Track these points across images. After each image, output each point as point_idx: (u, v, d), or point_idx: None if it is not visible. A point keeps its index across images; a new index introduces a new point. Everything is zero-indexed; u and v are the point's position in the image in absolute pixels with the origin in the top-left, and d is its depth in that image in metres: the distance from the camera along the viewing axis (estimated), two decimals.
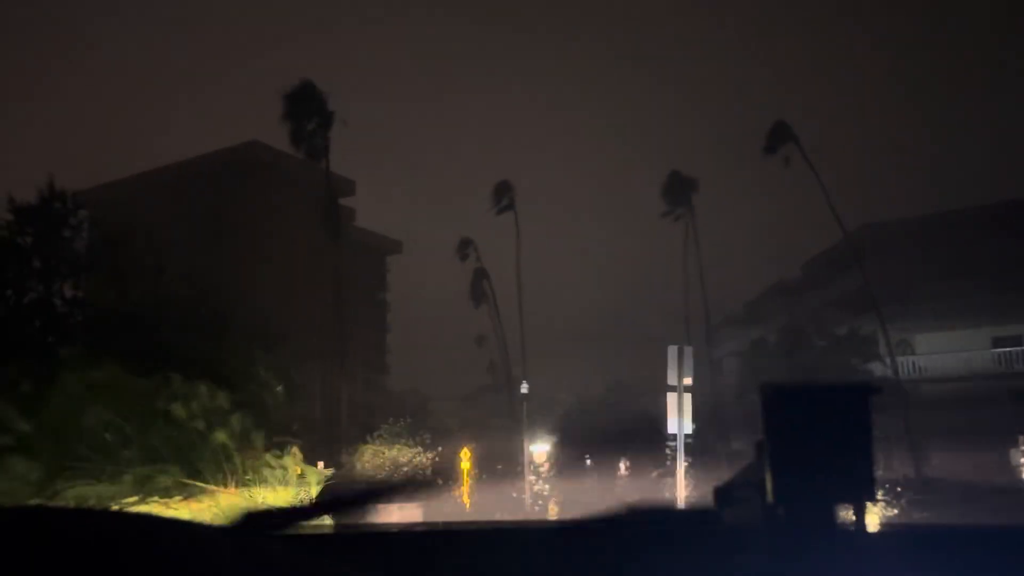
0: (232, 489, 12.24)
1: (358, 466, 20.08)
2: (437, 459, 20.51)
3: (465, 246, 39.49)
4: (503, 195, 38.58)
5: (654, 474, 19.73)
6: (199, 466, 12.16)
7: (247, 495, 12.31)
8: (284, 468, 13.27)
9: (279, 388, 14.95)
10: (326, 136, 30.54)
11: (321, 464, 16.31)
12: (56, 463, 11.21)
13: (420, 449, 20.47)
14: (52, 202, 17.09)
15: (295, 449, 13.84)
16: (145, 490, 11.23)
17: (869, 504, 1.19)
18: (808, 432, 1.16)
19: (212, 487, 12.00)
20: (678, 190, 35.50)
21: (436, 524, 1.96)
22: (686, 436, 12.96)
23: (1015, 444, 21.59)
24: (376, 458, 20.32)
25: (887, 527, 1.78)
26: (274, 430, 14.03)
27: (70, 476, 11.18)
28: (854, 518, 1.19)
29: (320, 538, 1.55)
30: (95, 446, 11.45)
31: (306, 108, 30.42)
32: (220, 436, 12.51)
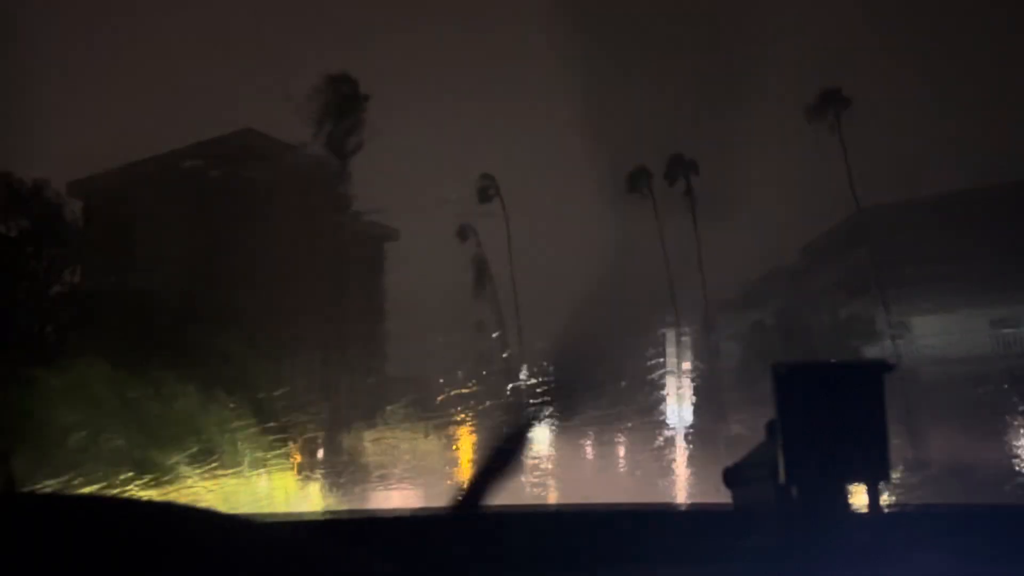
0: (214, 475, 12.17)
1: (361, 451, 20.15)
2: (443, 444, 20.59)
3: (464, 231, 39.47)
4: (485, 185, 38.77)
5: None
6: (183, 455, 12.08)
7: (245, 480, 12.28)
8: (286, 454, 13.25)
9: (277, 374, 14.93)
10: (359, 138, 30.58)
11: (321, 451, 16.36)
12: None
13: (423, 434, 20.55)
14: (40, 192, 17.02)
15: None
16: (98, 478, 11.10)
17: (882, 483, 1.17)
18: (821, 412, 1.14)
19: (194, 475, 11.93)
20: (679, 172, 35.05)
21: (439, 508, 1.95)
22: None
23: (1015, 425, 21.65)
24: (379, 443, 20.40)
25: (899, 507, 1.77)
26: (272, 416, 14.00)
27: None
28: (867, 498, 1.18)
29: (326, 524, 1.54)
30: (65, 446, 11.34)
31: (341, 105, 29.98)
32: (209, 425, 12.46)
